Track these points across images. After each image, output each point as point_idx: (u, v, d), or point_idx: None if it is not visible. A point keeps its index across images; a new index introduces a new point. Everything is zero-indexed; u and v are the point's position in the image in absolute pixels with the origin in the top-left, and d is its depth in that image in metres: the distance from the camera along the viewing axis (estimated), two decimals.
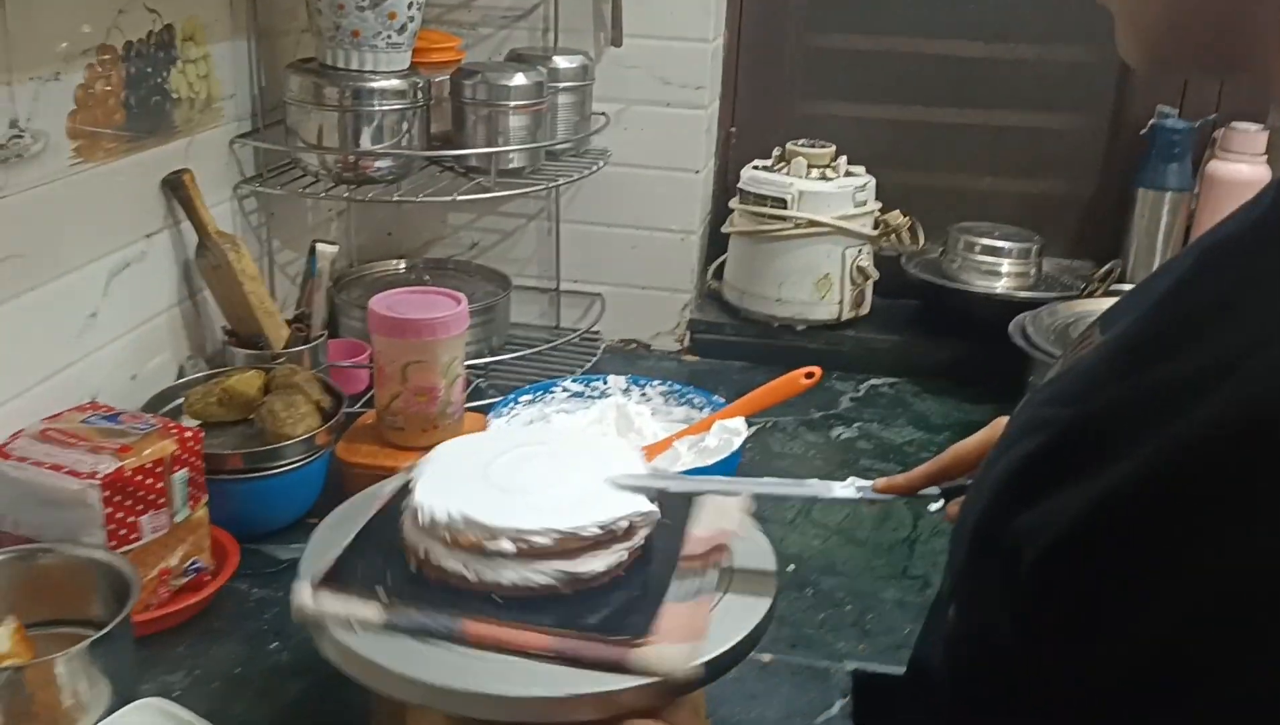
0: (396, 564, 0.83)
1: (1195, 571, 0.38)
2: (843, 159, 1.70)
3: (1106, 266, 1.70)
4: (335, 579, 0.80)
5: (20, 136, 1.06)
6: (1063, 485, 0.43)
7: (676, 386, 1.38)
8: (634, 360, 1.71)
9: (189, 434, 1.04)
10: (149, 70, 1.24)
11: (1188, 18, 0.47)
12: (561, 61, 1.57)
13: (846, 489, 0.85)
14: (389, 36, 1.37)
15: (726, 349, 1.73)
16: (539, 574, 0.78)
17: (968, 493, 0.55)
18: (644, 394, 1.39)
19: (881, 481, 0.84)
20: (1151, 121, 1.69)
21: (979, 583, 0.50)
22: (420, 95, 1.42)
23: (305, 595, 0.78)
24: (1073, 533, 0.42)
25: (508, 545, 0.78)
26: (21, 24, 1.05)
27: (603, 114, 1.65)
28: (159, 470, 1.00)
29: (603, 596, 0.79)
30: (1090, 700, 0.41)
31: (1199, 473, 0.39)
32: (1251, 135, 1.63)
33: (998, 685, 0.47)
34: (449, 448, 0.91)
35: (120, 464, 0.97)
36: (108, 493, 0.95)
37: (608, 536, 0.80)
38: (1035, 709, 0.44)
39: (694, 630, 0.75)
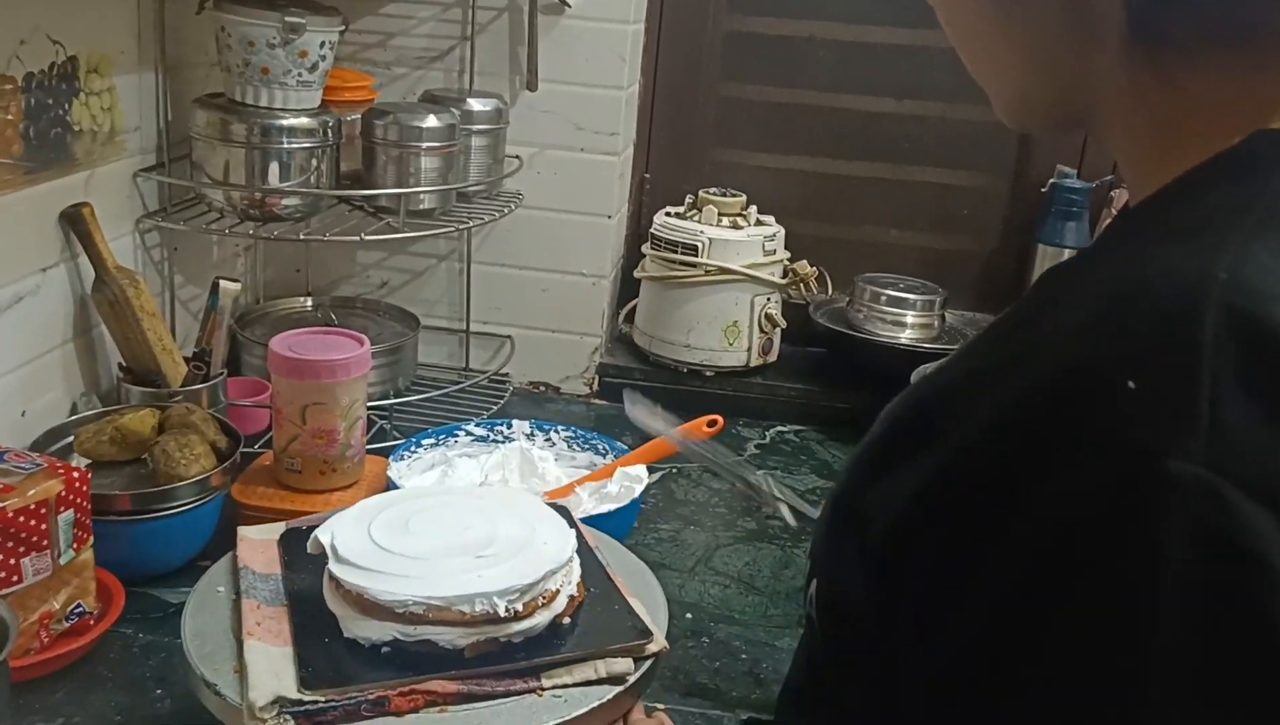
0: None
1: (1008, 546, 0.42)
2: (753, 208, 1.72)
3: None
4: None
5: None
6: (903, 460, 0.49)
7: (580, 432, 1.39)
8: (542, 403, 1.71)
9: (76, 474, 1.01)
10: (50, 102, 1.22)
11: (1035, 89, 0.56)
12: (475, 104, 1.57)
13: None
14: (299, 75, 1.36)
15: None
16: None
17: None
18: (548, 439, 1.38)
19: None
20: (1051, 181, 1.74)
21: (835, 550, 0.55)
22: (330, 134, 1.42)
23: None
24: (909, 511, 0.47)
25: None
26: None
27: (516, 157, 1.66)
28: (43, 512, 0.97)
29: None
30: (941, 660, 0.45)
31: (993, 456, 0.44)
32: None
33: (859, 644, 0.51)
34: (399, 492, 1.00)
35: (2, 504, 0.94)
36: None
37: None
38: (894, 668, 0.48)
39: None
